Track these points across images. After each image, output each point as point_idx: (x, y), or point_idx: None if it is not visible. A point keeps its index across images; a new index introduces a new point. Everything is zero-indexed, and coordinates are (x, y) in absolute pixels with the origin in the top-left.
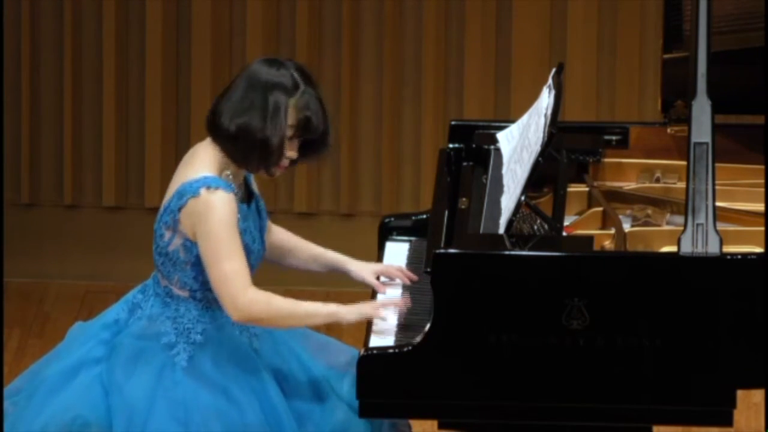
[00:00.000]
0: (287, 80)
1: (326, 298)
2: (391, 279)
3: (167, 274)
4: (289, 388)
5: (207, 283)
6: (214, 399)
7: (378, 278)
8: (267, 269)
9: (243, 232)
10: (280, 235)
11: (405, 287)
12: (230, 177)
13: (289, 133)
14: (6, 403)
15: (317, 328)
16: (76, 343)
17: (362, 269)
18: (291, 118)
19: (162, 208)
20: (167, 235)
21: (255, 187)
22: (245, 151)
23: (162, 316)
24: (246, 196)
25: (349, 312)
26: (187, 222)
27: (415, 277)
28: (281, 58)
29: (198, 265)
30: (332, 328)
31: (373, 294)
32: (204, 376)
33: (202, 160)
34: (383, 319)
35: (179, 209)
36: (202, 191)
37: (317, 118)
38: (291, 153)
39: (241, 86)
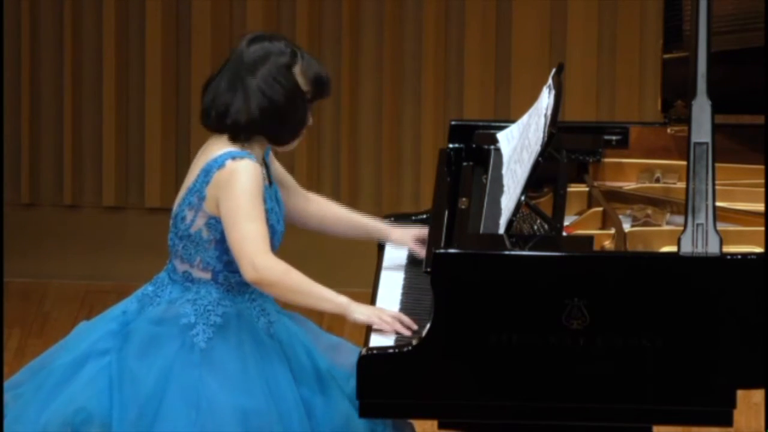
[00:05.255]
0: (283, 50)
1: None
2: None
3: (188, 257)
4: (298, 377)
5: (231, 264)
6: (226, 387)
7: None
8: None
9: (269, 211)
10: (320, 204)
11: (405, 288)
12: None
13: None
14: (6, 396)
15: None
16: (84, 336)
17: (403, 237)
18: (302, 84)
19: (185, 191)
20: (189, 216)
21: (273, 171)
22: (274, 127)
23: (182, 299)
24: (268, 180)
25: (360, 311)
26: (212, 196)
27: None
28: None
29: (222, 243)
30: (333, 326)
31: (373, 295)
32: (220, 361)
33: (222, 146)
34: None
35: (206, 185)
36: (228, 162)
37: (326, 75)
38: (309, 119)
39: (240, 73)
